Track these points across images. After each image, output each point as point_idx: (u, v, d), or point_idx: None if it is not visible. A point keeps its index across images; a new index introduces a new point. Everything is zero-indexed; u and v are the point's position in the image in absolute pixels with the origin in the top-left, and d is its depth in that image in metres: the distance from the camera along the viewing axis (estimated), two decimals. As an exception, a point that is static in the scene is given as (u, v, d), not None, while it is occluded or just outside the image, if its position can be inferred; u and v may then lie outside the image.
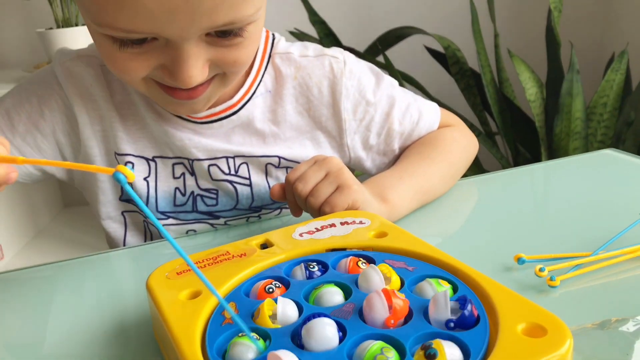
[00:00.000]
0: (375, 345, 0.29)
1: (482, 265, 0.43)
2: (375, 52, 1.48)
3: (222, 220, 0.61)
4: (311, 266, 0.37)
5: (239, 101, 0.57)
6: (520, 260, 0.44)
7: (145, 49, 0.45)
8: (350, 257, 0.38)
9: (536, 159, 1.26)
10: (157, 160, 0.58)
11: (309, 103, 0.59)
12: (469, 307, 0.30)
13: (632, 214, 0.49)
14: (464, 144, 0.64)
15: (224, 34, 0.45)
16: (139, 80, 0.48)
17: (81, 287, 0.50)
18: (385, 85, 0.61)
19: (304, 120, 0.60)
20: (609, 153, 0.69)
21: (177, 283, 0.37)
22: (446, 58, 1.33)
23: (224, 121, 0.57)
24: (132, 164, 0.57)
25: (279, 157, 0.59)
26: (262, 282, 0.36)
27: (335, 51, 0.60)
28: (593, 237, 0.46)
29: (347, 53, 0.61)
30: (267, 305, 0.32)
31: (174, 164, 0.58)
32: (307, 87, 0.59)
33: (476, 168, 1.31)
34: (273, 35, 0.60)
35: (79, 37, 1.23)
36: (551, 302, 0.39)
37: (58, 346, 0.40)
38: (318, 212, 0.48)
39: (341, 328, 0.30)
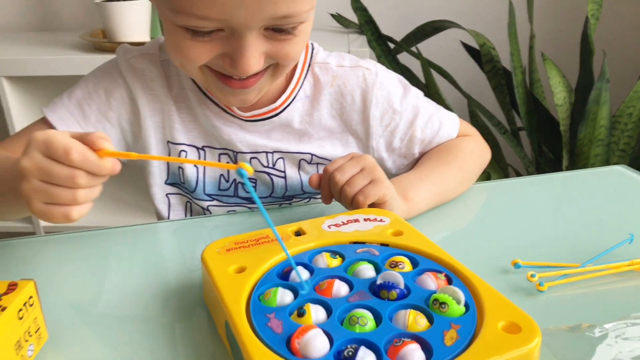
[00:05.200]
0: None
1: (483, 266, 0.50)
2: (410, 43, 1.52)
3: (256, 207, 0.69)
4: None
5: (280, 105, 0.64)
6: (516, 265, 0.51)
7: (212, 38, 0.52)
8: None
9: (558, 160, 1.30)
10: (206, 149, 0.66)
11: (342, 109, 0.66)
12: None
13: (625, 232, 0.55)
14: (479, 153, 0.70)
15: (280, 31, 0.52)
16: (197, 68, 0.55)
17: (133, 253, 0.57)
18: (411, 96, 0.68)
19: (336, 123, 0.67)
20: (619, 170, 0.74)
21: (226, 258, 0.45)
22: (480, 55, 1.36)
23: (266, 121, 0.64)
24: (186, 152, 0.65)
25: (312, 154, 0.67)
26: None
27: (369, 63, 0.67)
28: (585, 250, 0.53)
29: (379, 65, 0.67)
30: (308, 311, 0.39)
31: (220, 154, 0.66)
32: (341, 95, 0.66)
33: (499, 164, 1.36)
34: (312, 45, 0.67)
35: (132, 10, 1.31)
36: (536, 305, 0.46)
37: (113, 306, 0.48)
38: (351, 201, 0.55)
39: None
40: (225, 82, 0.56)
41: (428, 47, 1.54)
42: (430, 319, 0.37)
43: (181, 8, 0.49)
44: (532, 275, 0.48)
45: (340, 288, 0.41)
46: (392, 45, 1.48)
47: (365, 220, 0.52)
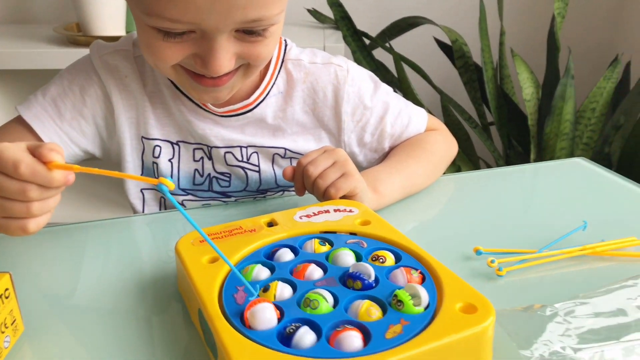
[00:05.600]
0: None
1: (447, 253, 0.53)
2: (385, 39, 1.54)
3: (232, 199, 0.71)
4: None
5: (254, 101, 0.66)
6: (478, 252, 0.53)
7: (184, 39, 0.53)
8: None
9: (527, 154, 1.34)
10: (181, 144, 0.67)
11: (314, 104, 0.68)
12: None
13: (581, 219, 0.58)
14: (446, 146, 0.73)
15: (251, 33, 0.53)
16: (170, 67, 0.56)
17: (108, 246, 0.58)
18: (381, 93, 0.70)
19: (309, 118, 0.69)
20: (579, 162, 0.78)
21: (199, 249, 0.47)
22: (453, 51, 1.40)
23: (240, 117, 0.66)
24: (160, 147, 0.66)
25: (285, 149, 0.68)
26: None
27: (340, 60, 0.69)
28: (544, 236, 0.56)
29: (350, 62, 0.70)
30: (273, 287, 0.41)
31: (194, 149, 0.67)
32: (314, 91, 0.68)
33: (470, 158, 1.40)
34: (285, 42, 0.69)
35: (107, 4, 1.30)
36: (495, 288, 0.49)
37: (89, 299, 0.49)
38: (323, 193, 0.57)
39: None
40: (198, 80, 0.57)
41: (403, 44, 1.57)
42: (385, 312, 0.38)
43: (153, 11, 0.50)
44: (492, 261, 0.51)
45: (313, 272, 0.43)
46: (367, 41, 1.51)
47: (335, 211, 0.54)
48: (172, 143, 0.67)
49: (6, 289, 0.41)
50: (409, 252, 0.46)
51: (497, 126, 1.35)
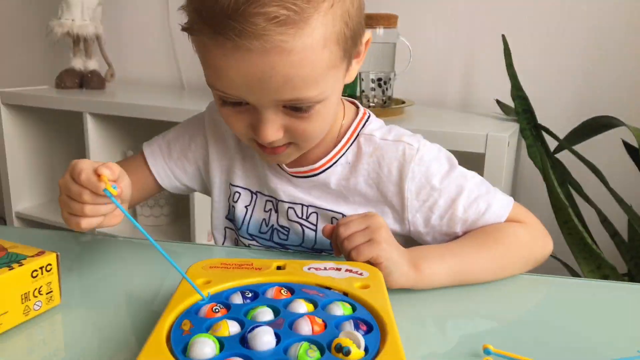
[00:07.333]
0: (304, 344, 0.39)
1: (456, 345, 0.49)
2: (574, 140, 1.41)
3: (290, 252, 0.75)
4: (246, 293, 0.49)
5: (320, 167, 0.70)
6: (486, 350, 0.47)
7: (239, 110, 0.60)
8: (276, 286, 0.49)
9: None
10: (258, 194, 0.75)
11: (378, 179, 0.69)
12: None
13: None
14: (527, 241, 0.66)
15: (295, 109, 0.59)
16: (241, 134, 0.64)
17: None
18: (456, 175, 0.68)
19: (372, 191, 0.70)
20: None
21: (205, 273, 0.52)
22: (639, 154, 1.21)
23: (306, 179, 0.71)
24: (240, 193, 0.76)
25: (343, 215, 0.71)
26: (209, 305, 0.46)
27: (414, 139, 0.69)
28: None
29: (423, 142, 0.69)
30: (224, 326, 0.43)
31: (266, 200, 0.75)
32: (379, 166, 0.69)
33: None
34: (369, 116, 0.72)
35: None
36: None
37: (124, 299, 0.57)
38: (348, 255, 0.58)
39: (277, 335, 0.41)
40: (261, 148, 0.64)
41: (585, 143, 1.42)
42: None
43: (210, 82, 0.59)
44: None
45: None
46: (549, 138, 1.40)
47: (346, 270, 0.54)
48: (251, 192, 0.76)
49: (49, 264, 0.52)
50: (374, 315, 0.44)
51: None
